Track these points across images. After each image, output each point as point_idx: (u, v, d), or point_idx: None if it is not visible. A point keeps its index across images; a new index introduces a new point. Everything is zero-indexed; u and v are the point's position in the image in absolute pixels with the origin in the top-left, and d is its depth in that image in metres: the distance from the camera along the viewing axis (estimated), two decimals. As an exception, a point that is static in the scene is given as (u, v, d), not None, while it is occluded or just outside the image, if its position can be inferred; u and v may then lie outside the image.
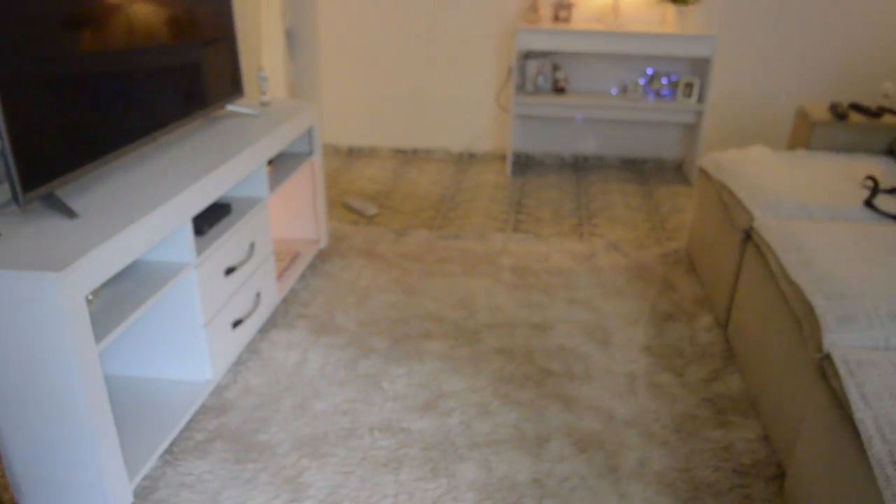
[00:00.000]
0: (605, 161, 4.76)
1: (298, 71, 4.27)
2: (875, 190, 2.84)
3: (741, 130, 4.55)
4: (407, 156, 4.79)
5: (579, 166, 4.72)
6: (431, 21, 4.45)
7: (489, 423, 2.24)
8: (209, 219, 2.33)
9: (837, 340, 1.82)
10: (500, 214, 3.87)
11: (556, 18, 4.36)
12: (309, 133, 3.11)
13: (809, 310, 1.95)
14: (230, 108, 2.86)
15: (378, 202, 3.99)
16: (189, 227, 2.08)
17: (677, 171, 4.66)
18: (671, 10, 4.24)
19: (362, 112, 4.74)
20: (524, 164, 4.71)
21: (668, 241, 3.60)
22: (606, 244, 3.48)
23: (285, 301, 2.92)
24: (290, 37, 4.16)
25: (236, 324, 2.43)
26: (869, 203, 2.71)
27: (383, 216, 3.81)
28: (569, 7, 4.34)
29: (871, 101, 4.01)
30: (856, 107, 3.68)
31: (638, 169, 4.72)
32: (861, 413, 1.56)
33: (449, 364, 2.53)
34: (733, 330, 2.65)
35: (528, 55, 4.42)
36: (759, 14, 4.31)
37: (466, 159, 4.77)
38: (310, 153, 3.13)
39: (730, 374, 2.52)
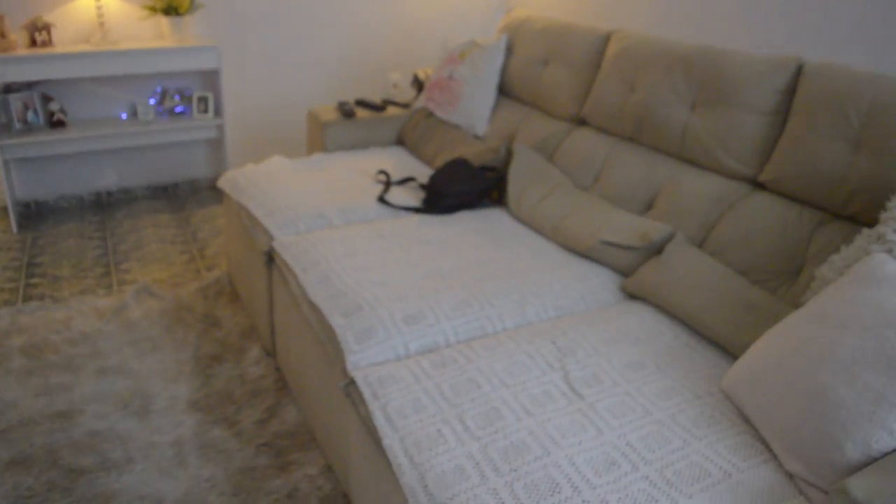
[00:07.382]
0: (132, 193, 4.31)
1: None
2: (387, 184, 2.90)
3: (266, 140, 4.45)
4: None
5: (104, 204, 4.20)
6: None
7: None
8: None
9: (360, 360, 1.73)
10: (6, 283, 3.22)
11: (34, 43, 3.76)
12: None
13: (331, 331, 1.84)
14: None
15: None
16: None
17: (213, 190, 4.41)
18: (165, 22, 3.93)
19: None
20: (36, 215, 4.04)
21: (207, 271, 3.33)
22: (138, 290, 3.08)
23: None
24: None
25: None
26: (382, 198, 2.75)
27: None
28: (46, 29, 3.77)
29: (384, 94, 4.18)
30: (362, 103, 3.77)
31: (171, 195, 4.36)
32: (388, 438, 1.47)
33: (-60, 502, 1.97)
34: (282, 357, 2.49)
35: (7, 89, 3.76)
36: (258, 21, 4.21)
37: (-40, 221, 3.94)
38: None
39: (285, 406, 2.36)
